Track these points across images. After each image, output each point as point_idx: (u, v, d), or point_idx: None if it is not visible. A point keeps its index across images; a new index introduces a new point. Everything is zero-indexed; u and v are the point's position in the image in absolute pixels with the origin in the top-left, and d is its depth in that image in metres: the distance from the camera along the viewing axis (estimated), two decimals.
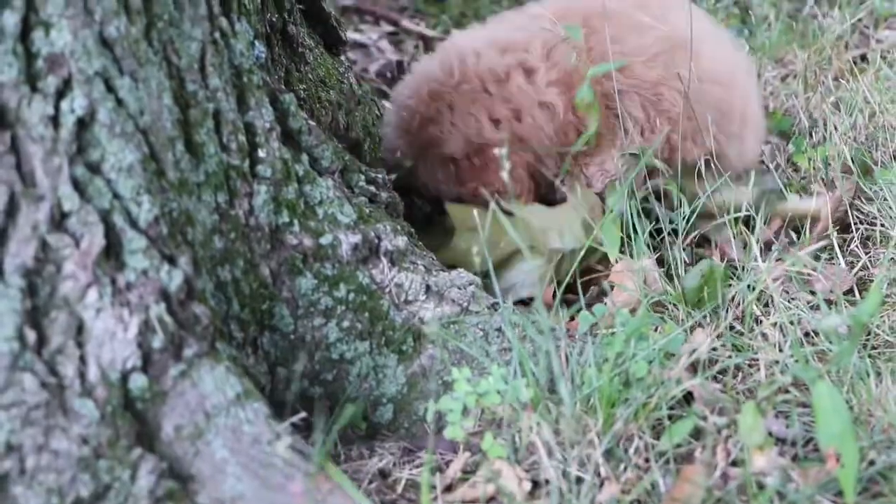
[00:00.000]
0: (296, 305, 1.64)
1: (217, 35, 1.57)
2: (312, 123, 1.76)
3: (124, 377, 1.38)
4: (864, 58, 3.16)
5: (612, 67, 2.06)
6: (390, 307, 1.70)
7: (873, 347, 1.81)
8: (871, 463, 1.50)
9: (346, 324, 1.67)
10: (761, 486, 1.46)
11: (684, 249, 2.03)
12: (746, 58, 2.44)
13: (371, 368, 1.69)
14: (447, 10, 3.76)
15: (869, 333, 1.84)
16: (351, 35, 3.35)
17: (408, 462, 1.63)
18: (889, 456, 1.50)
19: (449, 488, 1.55)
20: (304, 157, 1.70)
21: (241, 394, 1.44)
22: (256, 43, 1.70)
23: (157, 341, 1.40)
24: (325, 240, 1.66)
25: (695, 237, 2.09)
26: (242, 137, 1.60)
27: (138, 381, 1.39)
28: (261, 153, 1.62)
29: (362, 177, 1.84)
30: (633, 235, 1.97)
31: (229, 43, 1.60)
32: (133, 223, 1.41)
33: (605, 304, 1.87)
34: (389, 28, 3.60)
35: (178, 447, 1.40)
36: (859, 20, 3.40)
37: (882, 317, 1.87)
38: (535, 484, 1.51)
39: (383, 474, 1.60)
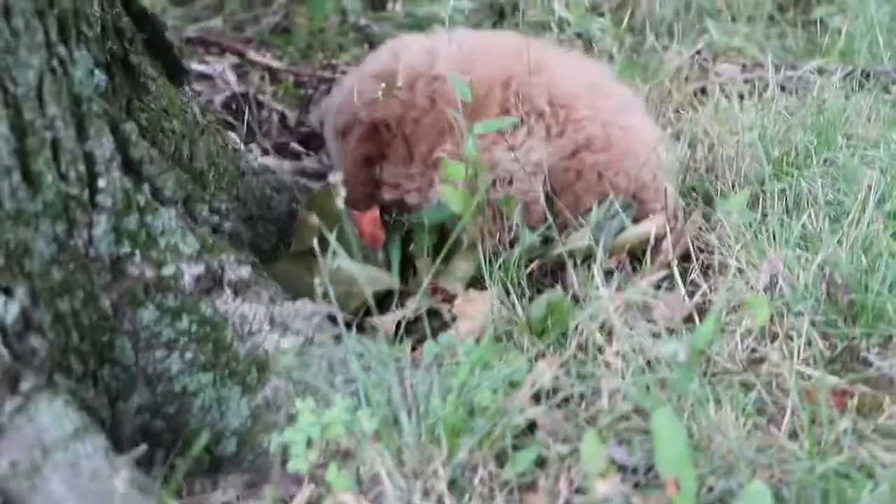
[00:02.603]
0: (137, 337, 1.62)
1: (55, 63, 1.54)
2: (154, 153, 1.74)
3: None
4: (703, 90, 3.24)
5: (495, 127, 2.09)
6: (234, 338, 1.69)
7: (713, 374, 1.84)
8: (710, 489, 1.52)
9: (188, 356, 1.65)
10: None
11: (529, 280, 2.05)
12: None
13: (214, 400, 1.67)
14: (293, 42, 3.75)
15: (709, 360, 1.87)
16: (196, 66, 3.33)
17: (251, 496, 1.61)
18: (727, 481, 1.53)
19: None
20: (146, 187, 1.68)
21: (79, 428, 1.41)
22: (96, 71, 1.68)
23: None
24: (167, 270, 1.64)
25: (539, 267, 2.11)
26: (82, 167, 1.57)
27: None
28: (101, 183, 1.59)
29: (206, 206, 1.82)
30: (483, 266, 2.00)
31: (68, 71, 1.57)
32: None
33: (450, 333, 1.87)
34: (235, 59, 3.58)
35: (13, 483, 1.37)
36: (698, 52, 3.48)
37: (722, 344, 1.90)
38: None
39: None
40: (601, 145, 2.20)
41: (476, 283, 2.08)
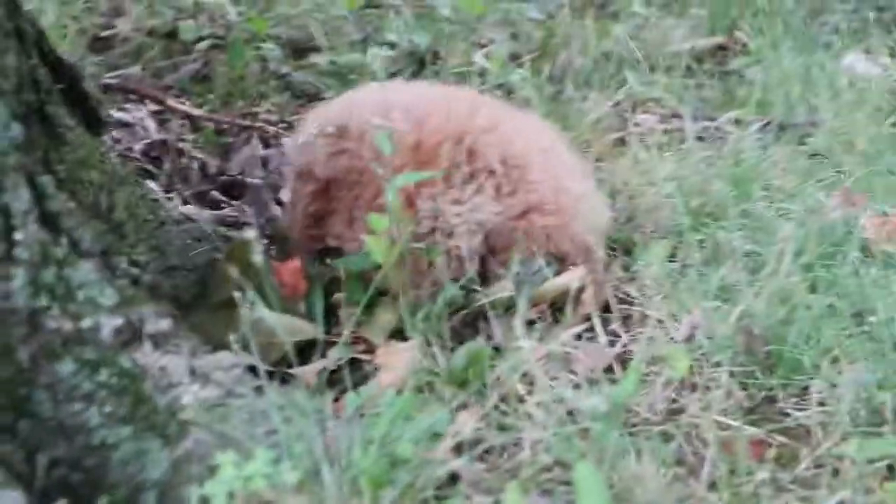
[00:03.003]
0: (55, 391, 1.60)
1: None
2: (72, 205, 1.73)
3: None
4: (623, 140, 3.26)
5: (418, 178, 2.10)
6: (154, 391, 1.67)
7: (633, 425, 1.85)
8: None
9: (107, 408, 1.63)
10: None
11: (453, 331, 2.05)
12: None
13: (134, 453, 1.65)
14: (213, 89, 3.74)
15: (630, 411, 1.88)
16: (115, 114, 3.30)
17: None
18: None
19: None
20: (64, 240, 1.66)
21: None
22: (13, 124, 1.66)
23: None
24: (86, 323, 1.63)
25: (462, 318, 2.11)
26: None
27: None
28: (18, 236, 1.58)
29: (125, 258, 1.81)
30: (406, 316, 2.00)
31: None
32: None
33: (372, 384, 1.87)
34: (154, 107, 3.55)
35: None
36: (618, 104, 3.52)
37: (642, 395, 1.92)
38: None
39: None
40: (551, 209, 2.21)
41: (399, 333, 2.08)
